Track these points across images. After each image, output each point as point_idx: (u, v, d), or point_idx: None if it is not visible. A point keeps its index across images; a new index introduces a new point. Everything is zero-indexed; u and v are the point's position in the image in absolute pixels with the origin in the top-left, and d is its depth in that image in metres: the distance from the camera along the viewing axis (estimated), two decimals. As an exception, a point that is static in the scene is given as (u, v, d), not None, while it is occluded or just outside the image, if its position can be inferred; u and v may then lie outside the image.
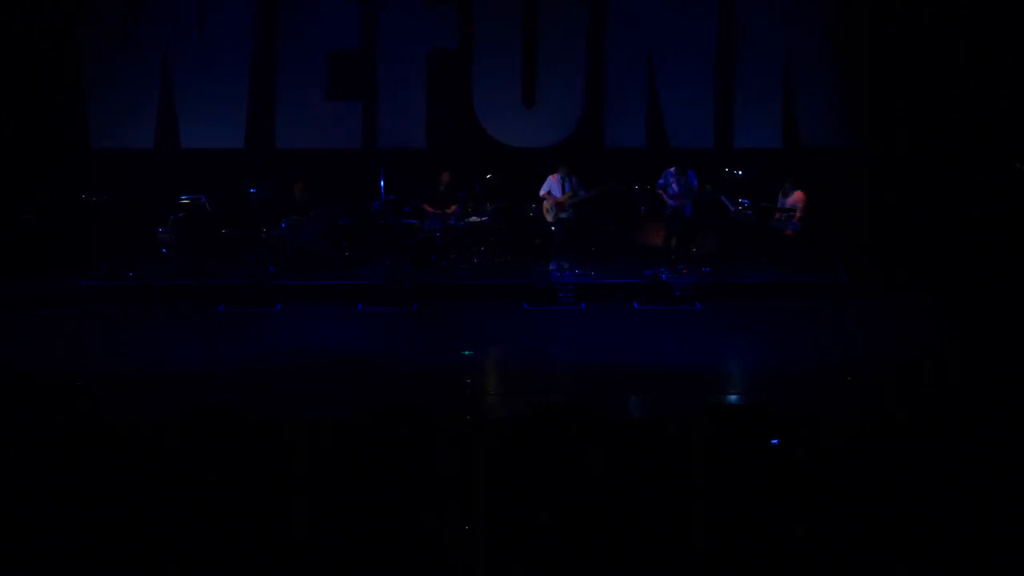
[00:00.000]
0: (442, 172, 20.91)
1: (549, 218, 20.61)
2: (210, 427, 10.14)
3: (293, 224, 20.62)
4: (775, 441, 9.96)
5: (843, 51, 21.45)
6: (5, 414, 13.50)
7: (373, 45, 21.75)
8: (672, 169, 20.32)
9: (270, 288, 19.60)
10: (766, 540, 8.73)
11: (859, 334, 17.59)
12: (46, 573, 8.89)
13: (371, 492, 9.42)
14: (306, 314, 18.88)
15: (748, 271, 20.47)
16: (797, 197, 20.27)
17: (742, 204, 20.69)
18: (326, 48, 21.60)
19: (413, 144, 21.86)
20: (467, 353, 16.69)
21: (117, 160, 21.42)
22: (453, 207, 20.62)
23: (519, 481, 9.63)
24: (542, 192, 20.59)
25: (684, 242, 20.61)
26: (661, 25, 21.68)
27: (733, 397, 15.07)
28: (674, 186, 20.28)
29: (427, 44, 21.77)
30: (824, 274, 20.23)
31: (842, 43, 21.44)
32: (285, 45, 21.71)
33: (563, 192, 20.48)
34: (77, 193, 21.20)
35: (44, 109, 21.18)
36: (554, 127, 21.82)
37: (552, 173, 20.57)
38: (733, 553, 8.69)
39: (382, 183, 20.49)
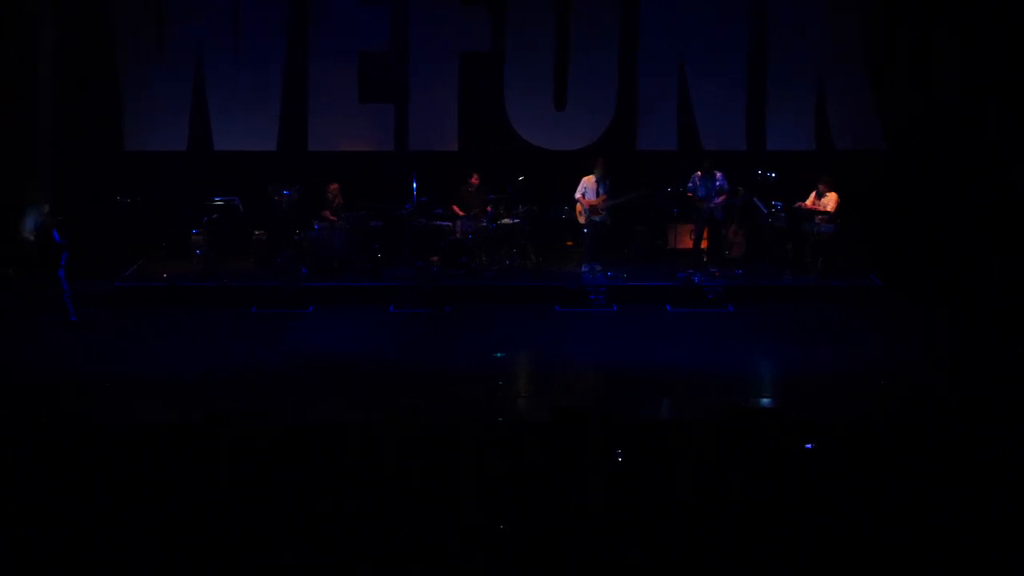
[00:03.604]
0: (472, 175, 20.91)
1: (582, 220, 20.59)
2: (234, 431, 10.18)
3: (325, 226, 20.69)
4: (809, 445, 9.95)
5: (875, 54, 21.34)
6: (33, 415, 13.58)
7: (405, 48, 21.77)
8: (698, 173, 20.27)
9: (302, 290, 19.64)
10: (795, 545, 8.70)
11: (892, 339, 17.50)
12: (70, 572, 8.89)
13: (398, 495, 9.42)
14: (338, 316, 18.93)
15: (781, 274, 20.41)
16: (830, 199, 20.19)
17: (775, 206, 20.63)
18: (358, 51, 21.67)
19: (445, 146, 21.88)
20: (499, 355, 16.70)
21: (151, 162, 21.51)
22: (487, 208, 20.60)
23: (544, 483, 9.62)
24: (577, 194, 20.56)
25: (715, 244, 20.55)
26: (693, 27, 21.62)
27: (765, 401, 15.03)
28: (701, 189, 20.22)
29: (459, 46, 21.78)
30: (857, 278, 20.13)
31: (874, 46, 21.34)
32: (317, 48, 21.76)
33: (597, 195, 20.45)
34: (111, 195, 21.28)
35: (78, 111, 21.27)
36: (586, 129, 21.78)
37: (587, 175, 20.54)
38: (761, 558, 8.66)
39: (414, 185, 20.53)
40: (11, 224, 19.78)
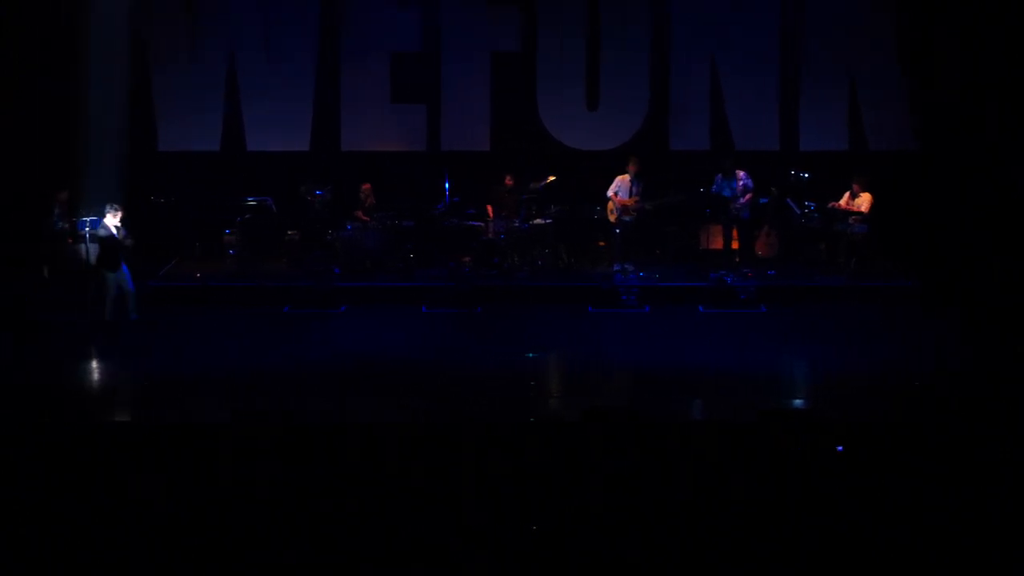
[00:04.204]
0: (506, 176, 20.90)
1: (612, 219, 20.56)
2: (264, 431, 10.20)
3: (357, 226, 20.73)
4: (840, 448, 9.91)
5: (909, 53, 21.24)
6: (64, 414, 13.65)
7: (437, 48, 21.80)
8: (719, 175, 20.22)
9: (335, 290, 19.68)
10: (826, 548, 8.66)
11: (926, 340, 17.40)
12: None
13: (428, 495, 9.42)
14: (370, 315, 18.97)
15: (814, 274, 20.33)
16: (864, 200, 20.10)
17: (808, 207, 20.56)
18: (390, 51, 21.72)
19: (477, 147, 21.90)
20: (531, 355, 16.69)
21: (184, 162, 21.59)
22: (520, 209, 20.59)
23: (572, 484, 9.61)
24: (610, 192, 20.54)
25: (745, 245, 20.49)
26: (725, 26, 21.56)
27: (798, 402, 14.98)
28: (726, 190, 20.17)
29: (491, 47, 21.80)
30: (891, 278, 20.03)
31: (908, 45, 21.23)
32: (349, 49, 21.81)
33: (630, 194, 20.43)
34: (145, 195, 21.37)
35: (112, 112, 21.34)
36: (618, 129, 21.74)
37: (622, 174, 20.51)
38: (789, 562, 8.63)
39: (446, 185, 20.54)
40: (48, 224, 19.95)
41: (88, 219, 18.54)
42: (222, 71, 21.75)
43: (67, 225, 19.90)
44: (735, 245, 20.47)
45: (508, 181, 20.92)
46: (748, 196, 20.16)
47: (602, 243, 21.15)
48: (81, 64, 21.02)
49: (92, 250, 18.39)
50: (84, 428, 12.13)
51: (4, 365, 16.25)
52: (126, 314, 17.88)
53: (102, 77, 21.14)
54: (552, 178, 20.71)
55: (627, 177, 20.45)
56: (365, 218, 20.86)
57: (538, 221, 20.62)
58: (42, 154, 20.55)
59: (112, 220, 17.77)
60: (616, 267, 20.44)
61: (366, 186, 21.10)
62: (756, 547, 8.69)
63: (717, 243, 20.81)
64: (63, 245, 19.70)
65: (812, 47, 21.57)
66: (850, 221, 20.14)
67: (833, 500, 9.32)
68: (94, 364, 16.76)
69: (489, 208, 21.01)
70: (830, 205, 20.34)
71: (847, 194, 20.25)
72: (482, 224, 20.84)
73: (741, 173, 20.16)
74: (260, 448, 10.07)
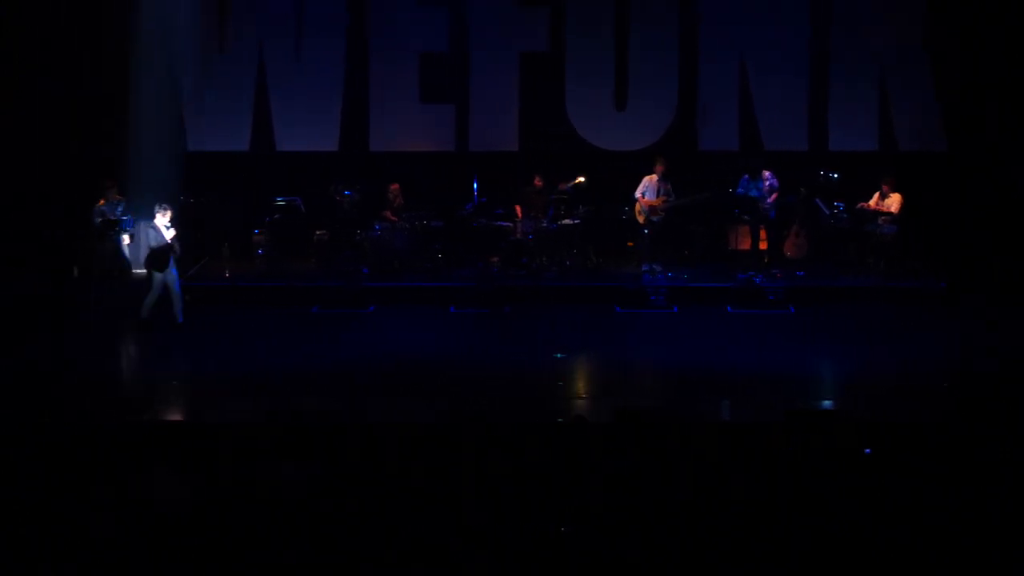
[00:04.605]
0: (534, 176, 20.91)
1: (641, 219, 20.55)
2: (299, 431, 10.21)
3: (386, 226, 20.76)
4: (868, 451, 9.87)
5: (939, 54, 21.15)
6: (97, 414, 13.70)
7: (465, 48, 21.82)
8: (746, 176, 20.19)
9: (363, 290, 19.72)
10: (854, 552, 8.62)
11: (956, 341, 17.35)
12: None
13: (459, 495, 9.42)
14: (398, 315, 18.99)
15: (843, 275, 20.29)
16: (894, 200, 20.04)
17: (837, 207, 20.51)
18: (418, 52, 21.74)
19: (505, 147, 21.90)
20: (559, 356, 16.69)
21: (213, 162, 21.66)
22: (548, 209, 20.60)
23: (604, 484, 9.60)
24: (637, 193, 20.53)
25: (773, 245, 20.46)
26: (754, 26, 21.49)
27: (826, 403, 14.95)
28: (753, 191, 20.13)
29: (519, 47, 21.80)
30: (920, 279, 19.96)
31: (938, 46, 21.14)
32: (378, 49, 21.84)
33: (658, 195, 20.41)
34: (173, 195, 21.41)
35: (141, 113, 21.42)
36: (646, 130, 21.72)
37: (649, 175, 20.50)
38: (818, 565, 8.59)
39: (474, 185, 20.57)
40: (81, 225, 20.07)
41: (126, 217, 18.74)
42: (251, 72, 21.81)
43: (112, 217, 20.03)
44: (763, 245, 20.44)
45: (537, 181, 20.93)
46: (774, 196, 20.13)
47: (630, 243, 21.14)
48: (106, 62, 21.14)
49: (129, 249, 18.55)
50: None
51: (34, 364, 16.29)
52: (173, 316, 17.89)
53: (138, 77, 21.27)
54: (581, 179, 20.71)
55: (654, 177, 20.44)
56: (393, 218, 20.90)
57: (566, 221, 20.62)
58: (72, 155, 20.63)
59: (162, 220, 17.80)
60: (644, 267, 20.43)
61: (394, 186, 21.14)
62: (784, 549, 8.67)
63: (745, 243, 20.77)
64: (99, 243, 19.80)
65: (841, 47, 21.50)
66: (879, 222, 20.08)
67: (859, 501, 9.29)
68: (121, 363, 16.80)
69: (517, 208, 21.03)
70: (859, 206, 20.29)
71: (876, 194, 20.20)
72: (510, 224, 20.86)
73: (767, 173, 20.13)
74: (283, 448, 10.09)
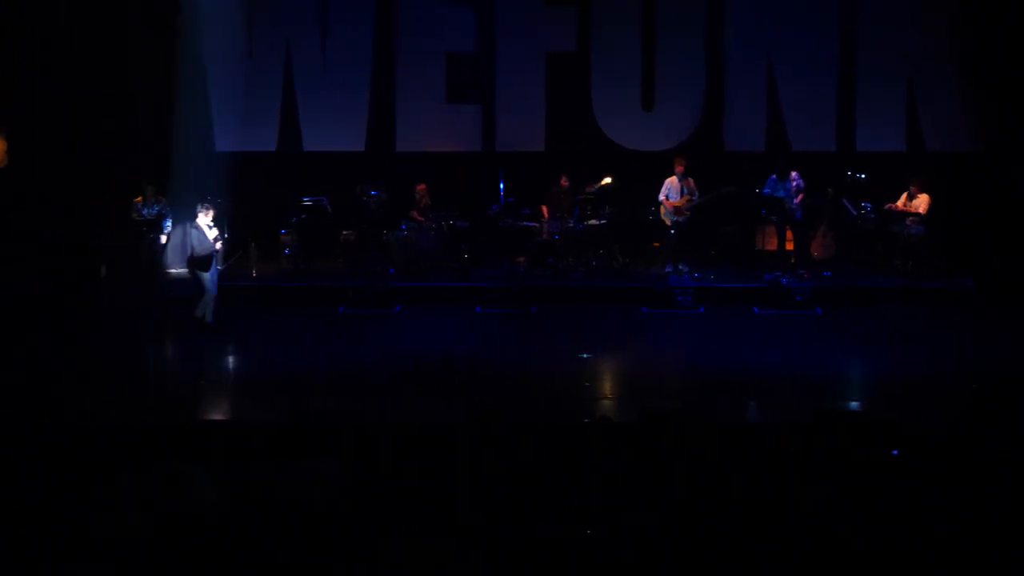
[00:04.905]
0: (562, 176, 20.90)
1: (668, 222, 20.52)
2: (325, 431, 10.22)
3: (412, 226, 20.79)
4: (895, 452, 9.83)
5: (967, 54, 21.04)
6: (128, 413, 13.75)
7: (492, 48, 21.83)
8: (773, 176, 20.15)
9: (389, 290, 19.74)
10: (881, 557, 8.59)
11: (984, 343, 17.27)
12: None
13: (483, 496, 9.41)
14: (425, 315, 19.01)
15: (870, 275, 20.23)
16: (921, 201, 19.97)
17: (864, 208, 20.45)
18: (444, 52, 21.75)
19: (532, 147, 21.89)
20: (585, 356, 16.68)
21: (241, 163, 21.69)
22: (574, 209, 20.60)
23: (630, 485, 9.58)
24: (660, 196, 20.50)
25: (800, 245, 20.41)
26: (781, 26, 21.44)
27: (853, 404, 14.90)
28: (780, 191, 20.09)
29: (545, 47, 21.79)
30: (949, 280, 19.88)
31: (966, 46, 21.04)
32: (404, 49, 21.87)
33: (680, 194, 20.38)
34: (201, 195, 21.47)
35: (170, 113, 21.50)
36: (673, 130, 21.69)
37: (670, 177, 20.48)
38: (846, 569, 8.56)
39: (501, 186, 20.57)
40: (112, 224, 20.18)
41: (163, 216, 18.89)
42: (278, 73, 21.87)
43: (146, 217, 20.17)
44: (790, 246, 20.39)
45: (563, 182, 20.93)
46: (801, 196, 20.09)
47: (657, 244, 21.10)
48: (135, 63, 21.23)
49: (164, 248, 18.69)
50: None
51: (58, 363, 16.36)
52: (201, 315, 17.91)
53: (159, 76, 21.36)
54: (608, 180, 20.71)
55: (675, 178, 20.42)
56: (420, 218, 20.93)
57: (593, 222, 20.62)
58: (102, 155, 20.71)
59: (204, 219, 17.82)
60: (668, 268, 20.40)
61: (421, 187, 21.17)
62: (815, 550, 8.64)
63: (772, 244, 20.73)
64: (134, 241, 19.95)
65: (869, 47, 21.42)
66: (907, 222, 20.02)
67: (889, 502, 9.25)
68: (147, 363, 16.84)
69: (544, 208, 21.03)
70: (887, 206, 20.23)
71: (904, 195, 20.14)
72: (537, 224, 20.86)
73: (794, 174, 20.09)
74: (308, 447, 10.10)
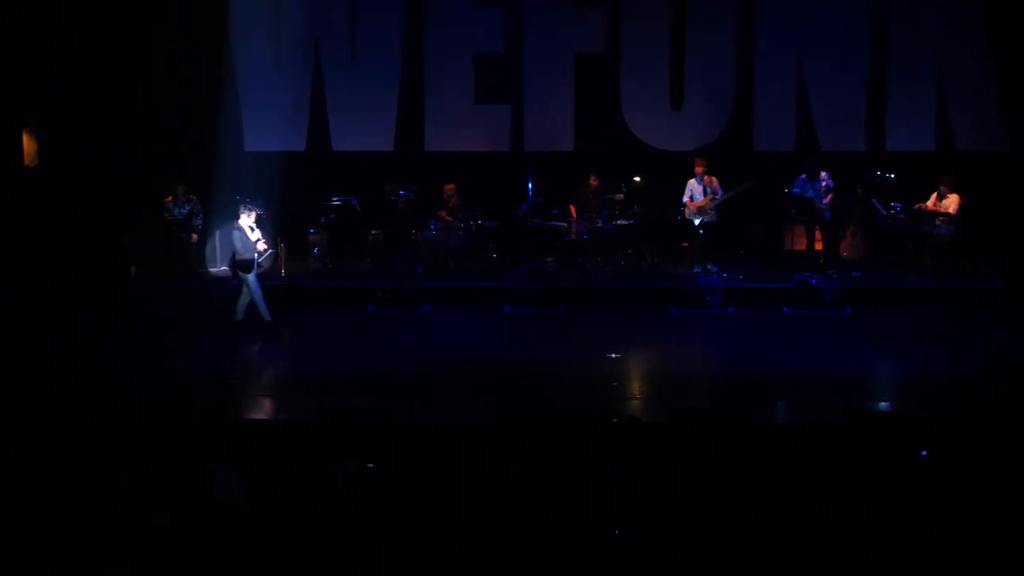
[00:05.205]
0: (591, 176, 20.89)
1: (696, 222, 20.50)
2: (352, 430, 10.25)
3: (441, 226, 20.81)
4: (924, 452, 9.81)
5: (998, 53, 20.95)
6: (161, 413, 13.80)
7: (520, 49, 21.81)
8: (803, 176, 20.09)
9: (418, 289, 19.75)
10: (910, 556, 8.57)
11: (1013, 343, 17.18)
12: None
13: (509, 496, 9.43)
14: (453, 315, 19.03)
15: (900, 276, 20.16)
16: (952, 201, 19.89)
17: (894, 208, 20.38)
18: (473, 52, 21.75)
19: (560, 147, 21.88)
20: (613, 356, 16.66)
21: (270, 162, 21.72)
22: (603, 209, 20.59)
23: (659, 484, 9.59)
24: (684, 198, 20.48)
25: (829, 245, 20.34)
26: (811, 25, 21.37)
27: (883, 404, 14.85)
28: (809, 191, 20.03)
29: (574, 47, 21.76)
30: (978, 280, 19.80)
31: (997, 45, 20.94)
32: (433, 50, 21.87)
33: (703, 196, 20.35)
34: (231, 194, 21.53)
35: (200, 113, 21.58)
36: (702, 130, 21.64)
37: (691, 178, 20.46)
38: (873, 569, 8.54)
39: (530, 185, 20.57)
40: (143, 224, 20.29)
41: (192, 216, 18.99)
42: (307, 73, 21.91)
43: (176, 216, 20.27)
44: (819, 246, 20.34)
45: (593, 181, 20.91)
46: (830, 196, 20.04)
47: (685, 244, 21.06)
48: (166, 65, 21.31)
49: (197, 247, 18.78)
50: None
51: (84, 362, 16.43)
52: (234, 312, 17.93)
53: (189, 78, 21.44)
54: (638, 178, 20.77)
55: (695, 179, 20.40)
56: (448, 218, 20.95)
57: (621, 221, 20.62)
58: (133, 154, 20.79)
59: (247, 220, 17.84)
60: (699, 268, 20.37)
61: (450, 186, 21.19)
62: (846, 549, 8.64)
63: (801, 244, 20.68)
64: (166, 240, 20.07)
65: (899, 46, 21.33)
66: (937, 222, 19.94)
67: (918, 503, 9.24)
68: (175, 363, 16.87)
69: (572, 208, 21.02)
70: (917, 206, 20.15)
71: (934, 195, 20.05)
72: (565, 224, 20.87)
73: (824, 174, 20.03)
74: (334, 447, 10.13)
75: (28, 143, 19.72)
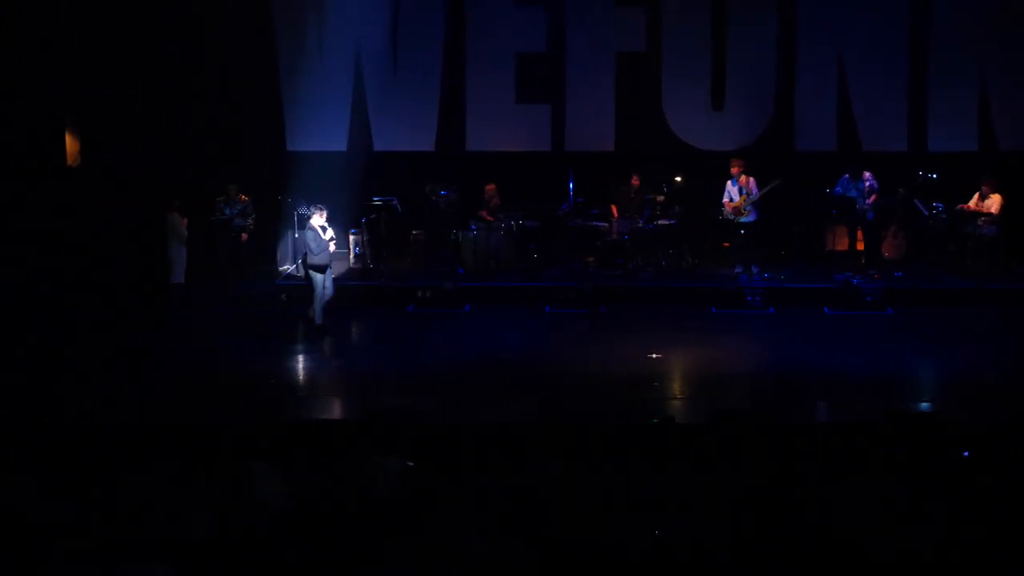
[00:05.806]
0: (632, 176, 20.90)
1: (736, 222, 20.48)
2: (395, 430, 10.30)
3: (482, 226, 20.86)
4: (966, 453, 9.78)
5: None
6: (196, 414, 13.87)
7: (561, 48, 21.84)
8: (846, 176, 20.04)
9: (458, 290, 19.79)
10: (952, 558, 8.54)
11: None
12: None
13: (550, 495, 9.45)
14: (494, 315, 19.06)
15: (941, 276, 20.09)
16: (994, 201, 19.80)
17: (936, 208, 20.30)
18: (514, 52, 21.79)
19: (601, 147, 21.89)
20: (654, 356, 16.65)
21: (312, 162, 21.81)
22: (644, 209, 20.58)
23: (698, 484, 9.59)
24: (724, 200, 20.48)
25: (871, 246, 20.28)
26: (852, 24, 21.31)
27: (924, 405, 14.80)
28: (852, 191, 19.97)
29: (615, 46, 21.78)
30: (1020, 281, 19.70)
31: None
32: (474, 50, 21.93)
33: (738, 196, 20.33)
34: (274, 194, 21.64)
35: (243, 114, 21.68)
36: (743, 130, 21.62)
37: (728, 179, 20.45)
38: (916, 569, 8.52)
39: (570, 185, 20.60)
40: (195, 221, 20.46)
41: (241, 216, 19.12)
42: (349, 73, 21.99)
43: (224, 216, 20.42)
44: (860, 246, 20.28)
45: (635, 181, 20.91)
46: (874, 197, 19.99)
47: (726, 244, 21.04)
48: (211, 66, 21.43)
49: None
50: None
51: (123, 363, 16.53)
52: (312, 313, 17.91)
53: (231, 78, 21.55)
54: (679, 179, 20.79)
55: (731, 180, 20.39)
56: (489, 218, 20.99)
57: (662, 221, 20.62)
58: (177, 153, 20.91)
59: (319, 220, 17.89)
60: (740, 268, 20.35)
61: (491, 186, 21.24)
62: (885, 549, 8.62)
63: (842, 244, 20.63)
64: (215, 241, 20.26)
65: (941, 46, 21.24)
66: (979, 223, 19.86)
67: (960, 503, 9.21)
68: (216, 363, 16.96)
69: (613, 208, 21.03)
70: (959, 207, 20.06)
71: (977, 195, 19.97)
72: (606, 224, 20.88)
73: (867, 174, 19.97)
74: (379, 446, 10.17)
75: (71, 143, 19.82)
